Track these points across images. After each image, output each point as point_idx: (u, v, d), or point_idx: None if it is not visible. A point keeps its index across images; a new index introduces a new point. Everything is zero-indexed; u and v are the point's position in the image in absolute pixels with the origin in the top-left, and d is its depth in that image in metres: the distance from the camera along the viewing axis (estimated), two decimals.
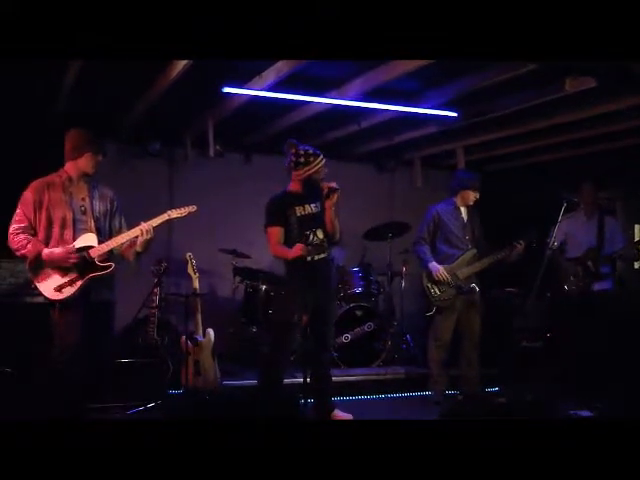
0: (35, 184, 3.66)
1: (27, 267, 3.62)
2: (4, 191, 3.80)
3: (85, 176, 3.73)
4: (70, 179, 3.70)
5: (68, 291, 3.57)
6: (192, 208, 3.85)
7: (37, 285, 3.60)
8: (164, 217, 3.77)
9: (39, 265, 3.58)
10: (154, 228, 3.70)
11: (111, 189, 3.90)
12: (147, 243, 3.70)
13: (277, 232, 4.18)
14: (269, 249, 4.25)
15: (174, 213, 3.80)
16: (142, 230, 3.66)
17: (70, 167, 3.72)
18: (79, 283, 3.58)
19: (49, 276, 3.58)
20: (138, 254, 3.76)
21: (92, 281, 3.62)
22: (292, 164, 4.19)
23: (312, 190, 4.23)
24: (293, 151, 4.18)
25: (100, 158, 3.73)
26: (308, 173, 4.15)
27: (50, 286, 3.57)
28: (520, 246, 4.84)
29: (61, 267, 3.57)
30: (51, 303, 3.59)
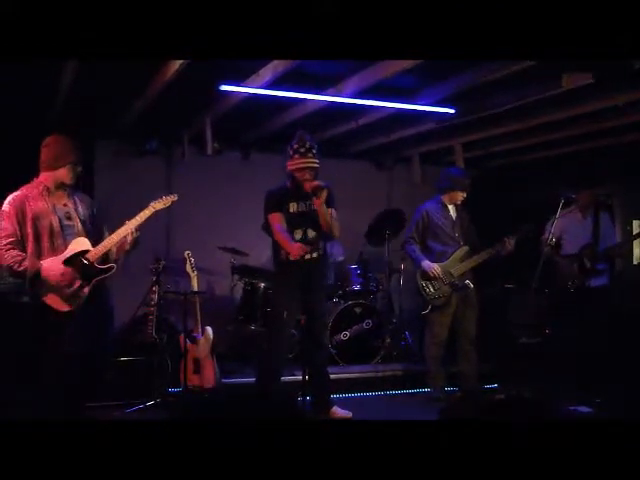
0: (12, 198, 3.50)
1: (29, 286, 3.46)
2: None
3: (63, 186, 3.60)
4: (48, 189, 3.56)
5: (77, 300, 3.50)
6: (174, 197, 3.82)
7: (45, 301, 3.46)
8: (150, 210, 3.69)
9: (41, 283, 3.44)
10: (142, 223, 3.64)
11: (88, 197, 3.82)
12: (135, 241, 3.65)
13: (279, 217, 4.20)
14: (273, 235, 4.25)
15: (158, 205, 3.73)
16: (131, 229, 3.59)
17: (46, 177, 3.57)
18: (86, 290, 3.52)
19: (55, 289, 3.45)
20: (127, 252, 3.70)
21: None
22: (290, 151, 4.18)
23: (302, 188, 4.20)
24: (298, 138, 4.16)
25: (80, 169, 3.61)
26: (292, 167, 4.14)
27: (57, 298, 3.46)
28: (510, 241, 4.85)
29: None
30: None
